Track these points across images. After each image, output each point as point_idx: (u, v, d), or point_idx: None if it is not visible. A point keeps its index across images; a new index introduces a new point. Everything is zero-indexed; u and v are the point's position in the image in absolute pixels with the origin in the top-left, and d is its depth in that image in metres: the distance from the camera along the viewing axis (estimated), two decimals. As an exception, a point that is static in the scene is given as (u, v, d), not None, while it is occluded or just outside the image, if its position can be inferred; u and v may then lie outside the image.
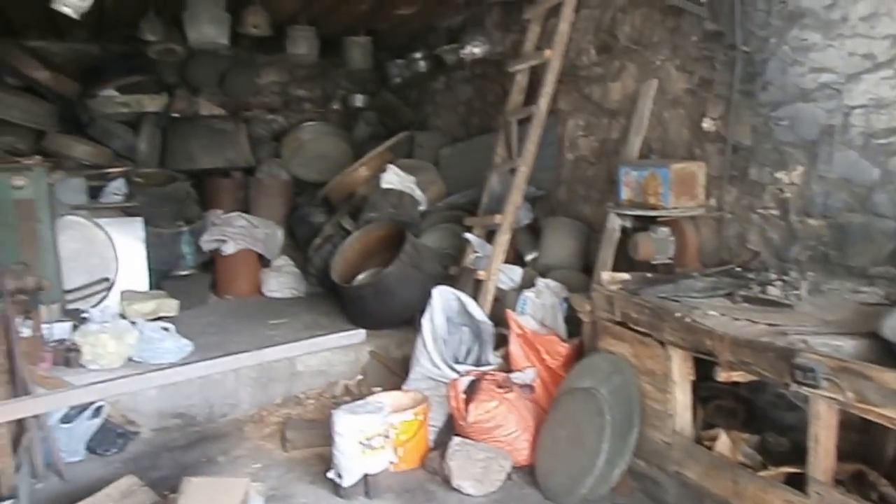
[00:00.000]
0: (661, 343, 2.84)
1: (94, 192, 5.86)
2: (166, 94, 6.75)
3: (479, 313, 3.88)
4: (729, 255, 3.38)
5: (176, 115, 6.84)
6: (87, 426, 3.62)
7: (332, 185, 6.21)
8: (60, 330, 4.11)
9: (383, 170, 5.73)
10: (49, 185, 4.85)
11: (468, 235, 4.55)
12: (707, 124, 3.47)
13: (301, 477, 3.36)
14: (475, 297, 4.06)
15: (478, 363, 3.77)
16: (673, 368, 2.80)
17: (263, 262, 6.26)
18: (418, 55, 6.40)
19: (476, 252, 4.43)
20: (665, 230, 3.50)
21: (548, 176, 4.77)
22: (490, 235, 4.51)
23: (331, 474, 3.11)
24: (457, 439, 3.26)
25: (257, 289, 6.15)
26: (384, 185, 5.59)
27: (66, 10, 3.76)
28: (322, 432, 3.54)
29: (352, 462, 3.03)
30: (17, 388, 3.37)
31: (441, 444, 3.40)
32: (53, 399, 1.89)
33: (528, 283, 4.16)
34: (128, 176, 6.08)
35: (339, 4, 5.39)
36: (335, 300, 5.39)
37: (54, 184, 5.11)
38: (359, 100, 7.54)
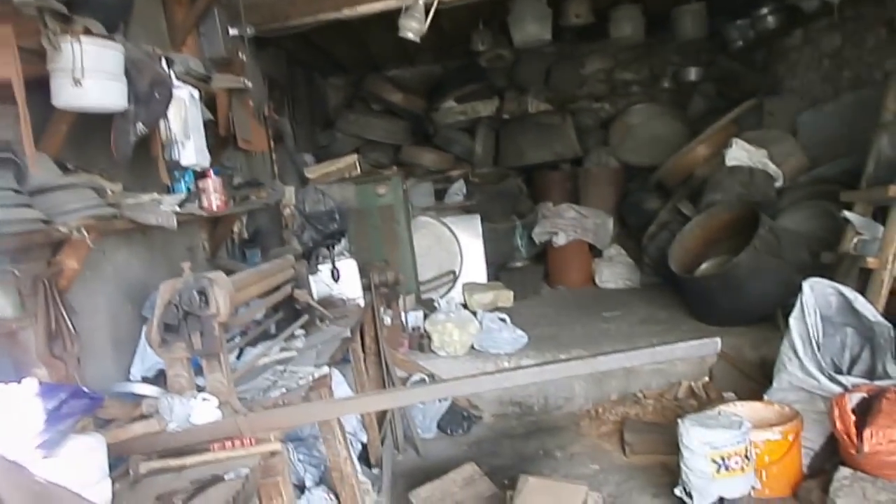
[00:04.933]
0: None
1: (440, 194, 6.43)
2: (497, 98, 7.08)
3: (871, 311, 3.05)
4: None
5: (507, 116, 7.11)
6: (438, 407, 3.91)
7: (667, 167, 5.73)
8: (415, 318, 4.51)
9: (727, 145, 5.06)
10: (404, 192, 5.41)
11: (848, 214, 3.66)
12: None
13: (643, 487, 3.06)
14: (862, 290, 3.23)
15: (870, 375, 2.98)
16: None
17: (595, 252, 6.13)
18: (765, 10, 5.50)
19: (861, 234, 3.55)
20: None
21: (963, 130, 3.60)
22: (879, 213, 3.57)
23: (678, 491, 2.75)
24: (845, 470, 2.59)
25: (590, 279, 6.05)
26: (729, 163, 4.93)
27: (409, 36, 4.09)
28: (665, 438, 3.24)
29: (704, 482, 2.62)
30: (383, 368, 3.79)
31: (820, 471, 2.78)
32: (417, 393, 2.16)
33: (938, 272, 3.16)
34: (466, 177, 6.55)
35: (669, -29, 4.92)
36: (674, 292, 4.94)
37: (408, 189, 5.72)
38: (692, 73, 6.83)
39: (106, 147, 2.27)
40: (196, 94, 2.80)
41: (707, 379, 3.98)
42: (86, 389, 1.47)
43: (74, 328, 2.07)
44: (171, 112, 2.54)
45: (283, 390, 2.09)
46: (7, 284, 1.87)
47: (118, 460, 1.63)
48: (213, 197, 3.07)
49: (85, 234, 2.03)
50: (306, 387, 2.13)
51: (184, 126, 2.66)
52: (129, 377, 2.43)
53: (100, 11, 2.10)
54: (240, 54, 4.00)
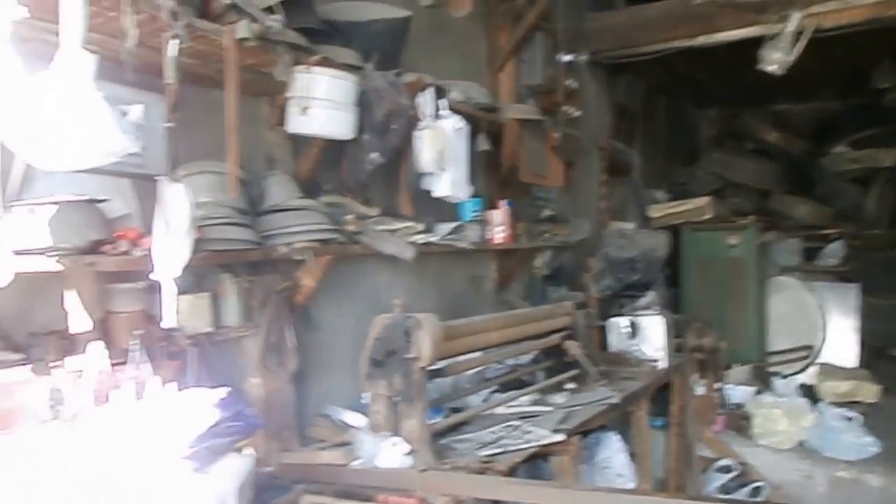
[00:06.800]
0: None
1: (810, 254, 5.63)
2: (905, 148, 5.87)
3: None
4: None
5: (915, 169, 5.84)
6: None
7: None
8: (741, 393, 4.05)
9: None
10: (761, 245, 4.91)
11: None
12: None
13: None
14: None
15: None
16: None
17: None
18: None
19: None
20: None
21: None
22: None
23: None
24: None
25: None
26: None
27: (771, 69, 3.73)
28: None
29: None
30: (683, 443, 3.56)
31: None
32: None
33: None
34: (847, 237, 5.60)
35: None
36: None
37: (767, 244, 5.15)
38: None
39: (373, 172, 2.40)
40: (461, 124, 2.70)
41: None
42: (247, 412, 1.51)
43: (296, 344, 2.12)
44: (426, 142, 2.54)
45: (499, 450, 1.90)
46: (236, 294, 1.95)
47: (299, 482, 1.74)
48: (497, 229, 3.09)
49: (309, 255, 2.07)
50: (525, 453, 1.93)
51: (438, 157, 2.58)
52: (361, 400, 2.43)
53: (365, 40, 2.23)
54: (568, 82, 3.96)
